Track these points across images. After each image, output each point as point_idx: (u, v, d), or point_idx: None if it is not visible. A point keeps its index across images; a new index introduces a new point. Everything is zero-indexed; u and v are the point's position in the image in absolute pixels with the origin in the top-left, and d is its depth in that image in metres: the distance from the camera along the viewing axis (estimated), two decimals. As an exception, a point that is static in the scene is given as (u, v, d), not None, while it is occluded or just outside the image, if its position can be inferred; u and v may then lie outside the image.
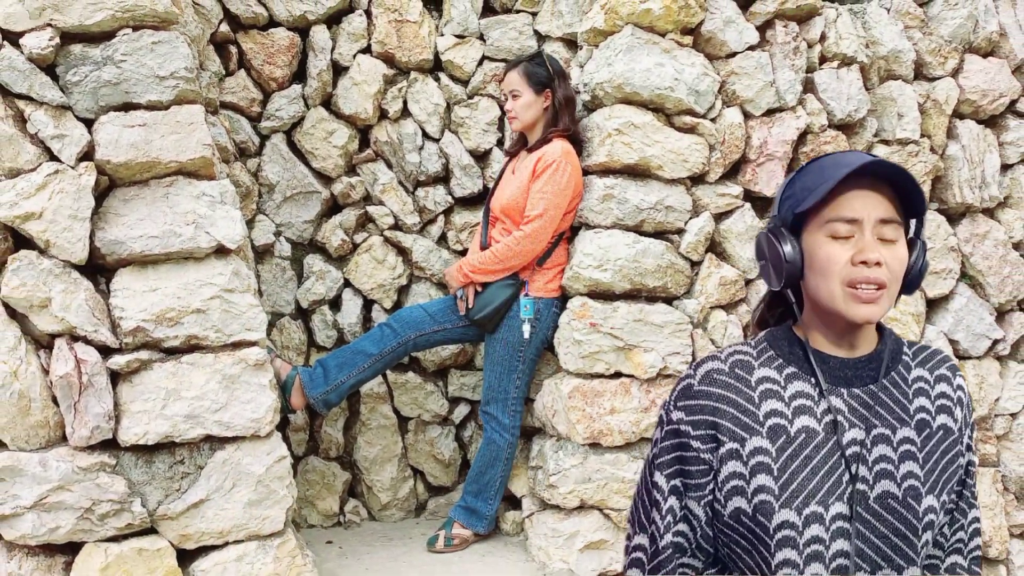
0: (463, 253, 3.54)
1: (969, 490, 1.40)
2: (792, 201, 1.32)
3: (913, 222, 1.32)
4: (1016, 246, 3.58)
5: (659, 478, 1.36)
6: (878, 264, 1.22)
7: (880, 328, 1.39)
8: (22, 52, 2.40)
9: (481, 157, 3.63)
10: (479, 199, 3.61)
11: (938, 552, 1.41)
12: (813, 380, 1.32)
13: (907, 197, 1.27)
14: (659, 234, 3.10)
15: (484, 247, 3.20)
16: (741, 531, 1.30)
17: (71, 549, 2.48)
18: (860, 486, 1.27)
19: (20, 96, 2.41)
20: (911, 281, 1.31)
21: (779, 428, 1.29)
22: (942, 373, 1.39)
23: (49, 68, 2.45)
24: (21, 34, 2.41)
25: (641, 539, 1.39)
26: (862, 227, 1.24)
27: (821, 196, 1.25)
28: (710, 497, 1.32)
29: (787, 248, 1.29)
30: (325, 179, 3.52)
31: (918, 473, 1.30)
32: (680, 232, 3.12)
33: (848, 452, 1.28)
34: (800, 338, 1.36)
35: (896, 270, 1.25)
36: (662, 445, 1.36)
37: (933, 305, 3.51)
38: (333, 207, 3.55)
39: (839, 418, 1.30)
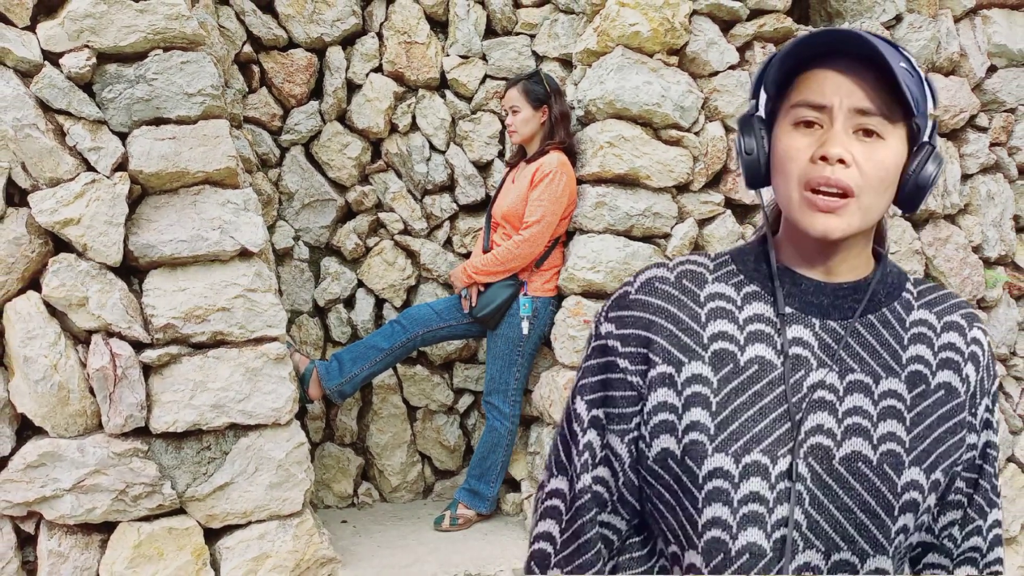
0: (467, 256, 3.53)
1: (988, 480, 1.01)
2: (767, 84, 0.99)
3: (929, 123, 0.94)
4: (975, 249, 3.58)
5: (580, 405, 1.01)
6: (842, 163, 0.88)
7: (878, 255, 1.02)
8: (62, 71, 2.40)
9: (483, 168, 3.62)
10: (481, 206, 3.60)
11: (943, 561, 1.03)
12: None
13: (899, 86, 0.88)
14: (647, 238, 3.09)
15: (486, 250, 3.20)
16: (667, 480, 0.95)
17: (107, 528, 2.48)
18: (824, 440, 0.92)
19: (60, 111, 2.41)
20: (909, 193, 0.93)
21: (725, 354, 0.95)
22: (953, 320, 1.00)
23: (86, 86, 2.45)
24: (61, 54, 2.41)
25: (559, 483, 1.03)
26: (832, 115, 0.89)
27: (778, 73, 0.94)
28: (635, 433, 0.97)
29: (747, 141, 0.97)
30: (340, 188, 3.52)
31: (902, 437, 0.93)
32: (666, 237, 3.12)
33: (813, 396, 0.93)
34: (768, 252, 1.00)
35: (871, 174, 0.89)
36: (587, 365, 1.02)
37: (899, 304, 3.51)
38: (347, 214, 3.54)
39: (804, 352, 0.95)
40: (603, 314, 1.02)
